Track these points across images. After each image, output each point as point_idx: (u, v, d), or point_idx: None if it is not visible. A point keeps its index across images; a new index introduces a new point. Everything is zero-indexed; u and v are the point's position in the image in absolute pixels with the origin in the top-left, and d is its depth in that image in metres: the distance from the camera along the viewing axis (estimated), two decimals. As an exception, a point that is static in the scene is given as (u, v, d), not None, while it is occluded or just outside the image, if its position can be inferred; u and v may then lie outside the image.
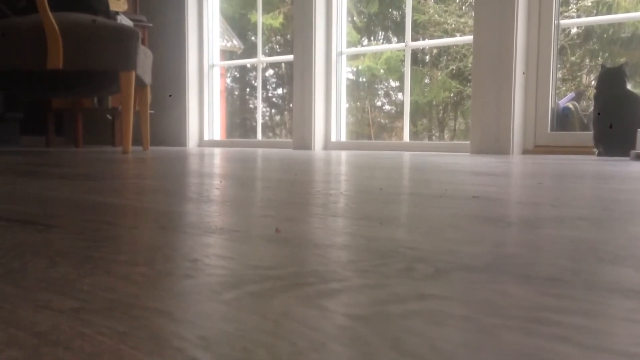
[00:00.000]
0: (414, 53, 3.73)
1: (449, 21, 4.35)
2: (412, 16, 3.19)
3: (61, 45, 2.18)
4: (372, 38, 5.00)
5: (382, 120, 5.04)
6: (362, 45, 4.67)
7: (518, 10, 2.44)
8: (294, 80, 3.26)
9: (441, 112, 4.79)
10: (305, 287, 0.25)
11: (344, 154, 2.32)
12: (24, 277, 0.27)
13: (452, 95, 4.64)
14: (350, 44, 3.68)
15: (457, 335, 0.19)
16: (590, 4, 3.25)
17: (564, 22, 2.60)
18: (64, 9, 2.28)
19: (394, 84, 4.84)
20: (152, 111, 3.65)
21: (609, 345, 0.18)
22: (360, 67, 4.53)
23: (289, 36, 5.02)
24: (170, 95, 3.74)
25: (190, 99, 3.73)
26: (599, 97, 2.17)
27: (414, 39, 3.21)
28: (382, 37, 5.07)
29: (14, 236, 0.38)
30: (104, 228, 0.42)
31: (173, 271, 0.28)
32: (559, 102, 2.60)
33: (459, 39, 3.54)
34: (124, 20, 2.77)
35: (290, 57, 3.41)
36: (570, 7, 3.19)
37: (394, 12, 4.86)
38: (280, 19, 5.42)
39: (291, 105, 3.37)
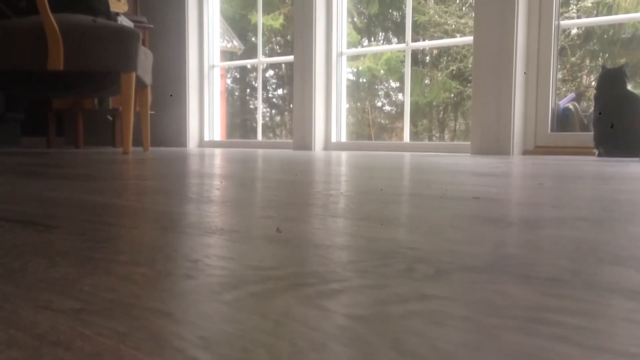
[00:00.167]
0: (414, 54, 3.73)
1: (449, 22, 4.35)
2: (412, 17, 3.19)
3: (62, 46, 2.18)
4: (372, 39, 5.00)
5: (383, 121, 5.04)
6: (363, 46, 4.67)
7: (518, 11, 2.44)
8: (294, 80, 3.26)
9: (441, 112, 4.78)
10: (305, 287, 0.25)
11: (344, 155, 2.32)
12: (24, 278, 0.27)
13: (452, 95, 4.64)
14: (351, 44, 3.68)
15: (457, 336, 0.19)
16: (590, 4, 3.25)
17: (564, 22, 2.60)
18: (64, 10, 2.28)
19: (394, 84, 4.84)
20: (152, 112, 3.65)
21: (609, 345, 0.18)
22: (360, 68, 4.53)
23: (289, 37, 5.02)
24: (171, 95, 3.74)
25: (191, 99, 3.73)
26: (599, 97, 2.17)
27: (414, 39, 3.21)
28: (383, 37, 5.08)
29: (15, 236, 0.38)
30: (104, 228, 0.42)
31: (173, 271, 0.28)
32: (559, 102, 2.60)
33: (459, 40, 3.54)
34: (124, 21, 2.77)
35: (290, 58, 3.41)
36: (570, 8, 3.19)
37: (394, 13, 4.86)
38: (281, 19, 5.42)
39: (291, 105, 3.37)
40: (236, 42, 6.35)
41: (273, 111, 5.89)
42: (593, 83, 2.67)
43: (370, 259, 0.31)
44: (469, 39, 2.94)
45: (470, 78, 2.68)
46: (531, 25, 2.50)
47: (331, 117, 3.24)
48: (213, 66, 3.80)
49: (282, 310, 0.22)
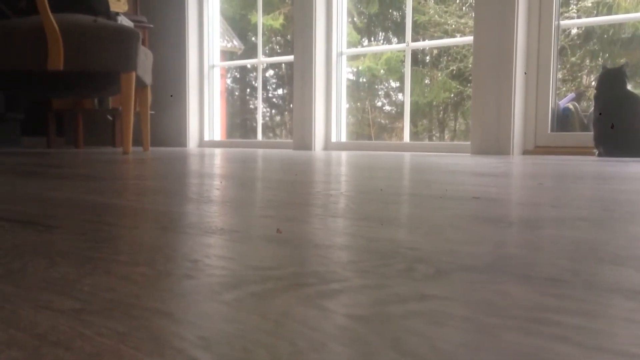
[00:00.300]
0: (414, 53, 3.73)
1: (449, 22, 4.35)
2: (413, 17, 3.19)
3: (62, 46, 2.18)
4: (372, 38, 5.00)
5: (383, 121, 5.04)
6: (363, 46, 4.67)
7: (518, 11, 2.44)
8: (294, 80, 3.26)
9: (441, 112, 4.78)
10: (305, 287, 0.25)
11: (344, 155, 2.32)
12: (24, 278, 0.27)
13: (452, 95, 4.64)
14: (351, 44, 3.68)
15: (457, 336, 0.19)
16: (590, 4, 3.25)
17: (564, 22, 2.60)
18: (64, 10, 2.28)
19: (394, 84, 4.84)
20: (152, 112, 3.65)
21: (609, 345, 0.18)
22: (360, 68, 4.53)
23: (289, 37, 5.02)
24: (171, 96, 3.74)
25: (191, 99, 3.73)
26: (599, 97, 2.17)
27: (414, 39, 3.21)
28: (383, 37, 5.07)
29: (15, 236, 0.38)
30: (104, 228, 0.42)
31: (173, 271, 0.28)
32: (559, 102, 2.60)
33: (459, 40, 3.54)
34: (124, 21, 2.77)
35: (290, 58, 3.41)
36: (570, 8, 3.19)
37: (394, 13, 4.86)
38: (281, 19, 5.42)
39: (291, 105, 3.37)
40: (236, 42, 6.35)
41: (273, 111, 5.89)
42: (593, 83, 2.67)
43: (370, 259, 0.31)
44: (469, 38, 2.94)
45: (470, 78, 2.68)
46: (531, 25, 2.50)
47: (331, 117, 3.24)
48: (213, 66, 3.80)
49: (282, 310, 0.22)
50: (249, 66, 4.67)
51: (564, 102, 2.62)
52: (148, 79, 2.64)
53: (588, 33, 3.20)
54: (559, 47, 2.56)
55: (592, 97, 2.29)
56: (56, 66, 2.19)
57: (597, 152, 2.19)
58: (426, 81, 4.64)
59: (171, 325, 0.20)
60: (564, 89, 3.10)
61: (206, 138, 3.81)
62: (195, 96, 3.76)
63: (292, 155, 2.19)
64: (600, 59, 3.23)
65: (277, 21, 5.42)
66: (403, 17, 3.42)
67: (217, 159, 1.74)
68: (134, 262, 0.30)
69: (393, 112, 4.96)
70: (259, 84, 3.90)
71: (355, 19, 4.70)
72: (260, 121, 3.87)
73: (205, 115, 3.79)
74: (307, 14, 3.16)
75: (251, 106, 5.35)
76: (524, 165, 1.49)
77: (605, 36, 3.14)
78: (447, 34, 4.27)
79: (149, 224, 0.44)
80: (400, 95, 4.62)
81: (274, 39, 5.70)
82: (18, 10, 2.46)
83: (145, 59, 2.52)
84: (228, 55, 5.90)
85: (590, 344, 0.18)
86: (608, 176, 1.04)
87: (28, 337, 0.19)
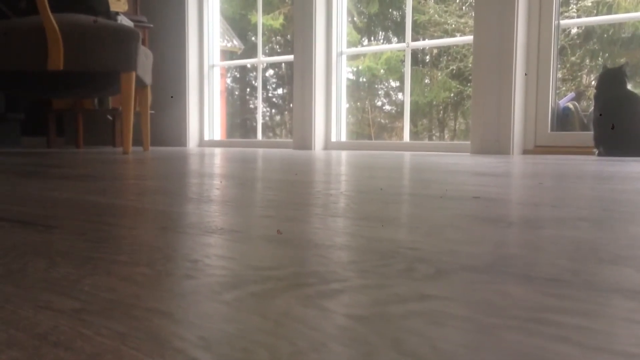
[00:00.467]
0: (414, 53, 3.73)
1: (449, 21, 4.35)
2: (412, 16, 3.19)
3: (62, 46, 2.18)
4: (372, 38, 4.99)
5: (383, 121, 5.04)
6: (363, 46, 4.67)
7: (518, 11, 2.44)
8: (294, 80, 3.26)
9: (441, 112, 4.78)
10: (305, 287, 0.25)
11: (344, 154, 2.32)
12: (24, 278, 0.27)
13: (452, 95, 4.64)
14: (351, 44, 3.68)
15: (457, 336, 0.19)
16: (590, 4, 3.25)
17: (564, 22, 2.60)
18: (64, 10, 2.28)
19: (394, 84, 4.84)
20: (152, 111, 3.65)
21: (609, 345, 0.18)
22: (360, 67, 4.53)
23: (289, 36, 5.02)
24: (172, 97, 3.74)
25: (191, 99, 3.73)
26: (599, 97, 2.17)
27: (414, 39, 3.21)
28: (382, 37, 5.07)
29: (15, 236, 0.38)
30: (104, 228, 0.42)
31: (173, 271, 0.28)
32: (559, 102, 2.60)
33: (459, 39, 3.54)
34: (124, 21, 2.77)
35: (290, 57, 3.41)
36: (570, 7, 3.19)
37: (394, 13, 4.85)
38: (281, 19, 5.42)
39: (291, 105, 3.37)
40: (236, 42, 6.35)
41: (273, 111, 5.88)
42: (593, 82, 2.66)
43: (370, 259, 0.31)
44: (469, 38, 2.94)
45: (470, 77, 2.68)
46: (531, 25, 2.50)
47: (331, 116, 3.24)
48: (213, 66, 3.80)
49: (282, 310, 0.22)
50: (248, 66, 4.67)
51: (563, 102, 2.62)
52: (148, 78, 2.64)
53: (588, 33, 3.20)
54: (559, 47, 2.56)
55: (592, 96, 2.29)
56: (56, 66, 2.19)
57: (597, 152, 2.19)
58: (426, 81, 4.64)
59: (171, 325, 0.20)
60: (564, 88, 3.09)
61: (206, 138, 3.81)
62: (195, 96, 3.76)
63: (292, 155, 2.19)
64: (600, 58, 3.23)
65: (277, 21, 5.42)
66: (403, 16, 3.42)
67: (217, 159, 1.74)
68: (134, 262, 0.30)
69: (393, 111, 4.96)
70: (258, 84, 3.90)
71: (355, 18, 4.70)
72: (260, 121, 3.87)
73: (205, 115, 3.79)
74: (307, 13, 3.16)
75: (251, 106, 5.35)
76: (524, 165, 1.49)
77: (605, 36, 3.14)
78: (447, 33, 4.27)
79: (149, 224, 0.44)
80: (400, 95, 4.62)
81: (273, 38, 5.70)
82: (18, 10, 2.46)
83: (145, 58, 2.52)
84: (228, 55, 5.90)
85: (590, 344, 0.18)
86: (608, 176, 1.04)
87: (28, 337, 0.19)
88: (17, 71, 2.30)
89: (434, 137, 4.68)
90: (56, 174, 1.02)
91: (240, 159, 1.74)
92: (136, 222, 0.45)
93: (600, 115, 2.13)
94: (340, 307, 0.22)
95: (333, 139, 3.26)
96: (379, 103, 5.07)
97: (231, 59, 5.72)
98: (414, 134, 4.02)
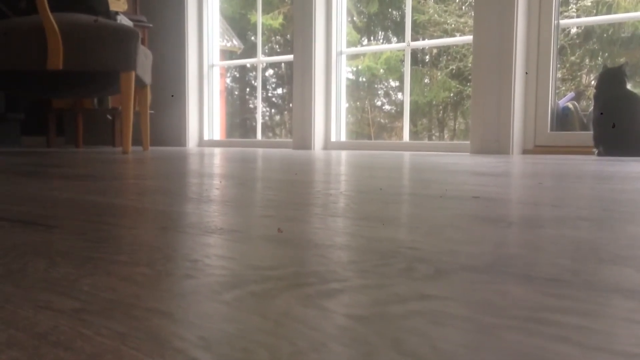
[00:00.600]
0: (414, 53, 3.73)
1: (448, 21, 4.35)
2: (412, 16, 3.19)
3: (61, 45, 2.18)
4: (372, 38, 5.00)
5: (382, 120, 5.04)
6: (362, 45, 4.67)
7: (518, 10, 2.44)
8: (294, 80, 3.26)
9: (441, 112, 4.78)
10: (305, 287, 0.25)
11: (344, 154, 2.32)
12: (24, 278, 0.27)
13: (452, 95, 4.64)
14: (350, 43, 3.68)
15: (457, 336, 0.19)
16: (590, 3, 3.25)
17: (563, 22, 2.60)
18: (64, 10, 2.28)
19: (393, 83, 4.84)
20: (152, 111, 3.65)
21: (609, 345, 0.18)
22: (360, 67, 4.53)
23: (288, 36, 5.02)
24: (172, 95, 3.74)
25: (190, 99, 3.73)
26: (599, 97, 2.17)
27: (413, 38, 3.21)
28: (382, 37, 5.07)
29: (15, 236, 0.38)
30: (104, 228, 0.42)
31: (173, 271, 0.28)
32: (559, 102, 2.60)
33: (458, 39, 3.54)
34: (123, 21, 2.77)
35: (290, 57, 3.41)
36: (570, 7, 3.19)
37: (394, 12, 4.85)
38: (280, 19, 5.42)
39: (291, 105, 3.37)
40: (236, 42, 6.35)
41: (272, 110, 5.88)
42: (592, 82, 2.66)
43: (370, 259, 0.31)
44: (468, 38, 2.94)
45: (469, 77, 2.68)
46: (531, 25, 2.50)
47: (331, 116, 3.24)
48: (212, 65, 3.80)
49: (282, 310, 0.22)
50: (248, 65, 4.67)
51: (563, 102, 2.62)
52: (148, 78, 2.64)
53: (587, 32, 3.20)
54: (558, 47, 2.56)
55: (591, 96, 2.29)
56: (55, 66, 2.19)
57: (596, 152, 2.19)
58: (426, 80, 4.64)
59: (171, 325, 0.20)
60: (564, 88, 3.10)
61: (206, 137, 3.81)
62: (194, 96, 3.76)
63: (292, 155, 2.19)
64: (599, 58, 3.23)
65: (277, 21, 5.42)
66: (402, 16, 3.42)
67: (217, 159, 1.74)
68: (134, 262, 0.30)
69: (393, 111, 4.96)
70: (258, 84, 3.90)
71: (354, 18, 4.70)
72: (259, 121, 3.87)
73: (204, 115, 3.79)
74: (306, 13, 3.16)
75: (251, 105, 5.35)
76: (524, 164, 1.49)
77: (605, 35, 3.14)
78: (447, 33, 4.27)
79: (149, 224, 0.44)
80: (399, 95, 4.62)
81: (273, 38, 5.70)
82: (18, 10, 2.45)
83: (144, 58, 2.52)
84: (227, 54, 5.90)
85: (590, 344, 0.18)
86: (608, 176, 1.04)
87: (28, 337, 0.19)
88: (17, 71, 2.30)
89: (433, 137, 4.68)
90: (56, 174, 1.02)
91: (239, 159, 1.74)
92: (136, 222, 0.45)
93: (602, 114, 2.13)
94: (340, 307, 0.22)
95: (333, 138, 3.26)
96: (379, 103, 5.07)
97: (231, 58, 5.72)
98: (414, 134, 4.02)
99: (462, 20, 4.26)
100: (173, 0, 3.68)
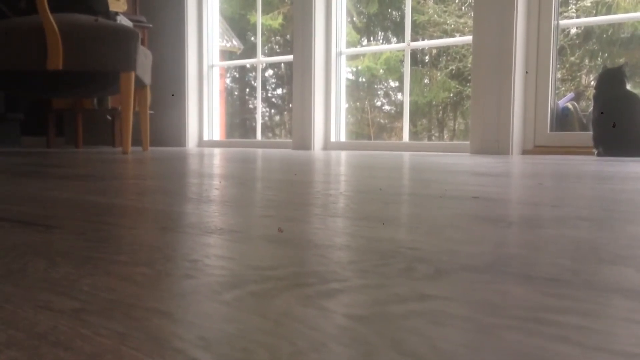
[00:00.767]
0: (414, 53, 3.73)
1: (448, 21, 4.35)
2: (412, 16, 3.19)
3: (61, 46, 2.18)
4: (371, 38, 5.00)
5: (382, 121, 5.04)
6: (362, 46, 4.67)
7: (517, 11, 2.44)
8: (294, 80, 3.26)
9: (441, 112, 4.78)
10: (305, 287, 0.25)
11: (343, 154, 2.32)
12: (24, 278, 0.27)
13: (451, 95, 4.64)
14: (350, 44, 3.68)
15: (457, 336, 0.19)
16: (589, 4, 3.26)
17: (563, 22, 2.60)
18: (64, 10, 2.28)
19: (393, 84, 4.84)
20: (151, 111, 3.65)
21: (609, 345, 0.18)
22: (359, 67, 4.53)
23: (288, 36, 5.02)
24: (172, 95, 3.74)
25: (190, 99, 3.73)
26: (599, 97, 2.17)
27: (413, 39, 3.21)
28: (382, 37, 5.07)
29: (15, 236, 0.38)
30: (104, 228, 0.42)
31: (173, 271, 0.28)
32: (559, 102, 2.60)
33: (458, 39, 3.54)
34: (123, 21, 2.77)
35: (289, 58, 3.41)
36: (569, 8, 3.19)
37: (394, 13, 4.86)
38: (280, 19, 5.42)
39: (291, 105, 3.37)
40: (235, 42, 6.35)
41: (272, 111, 5.89)
42: (592, 83, 2.66)
43: (370, 259, 0.31)
44: (468, 38, 2.94)
45: (469, 78, 2.68)
46: (530, 25, 2.50)
47: (330, 116, 3.24)
48: (212, 66, 3.80)
49: (282, 310, 0.22)
50: (248, 66, 4.67)
51: (563, 102, 2.62)
52: (147, 78, 2.64)
53: (587, 33, 3.20)
54: (558, 47, 2.56)
55: (591, 96, 2.29)
56: (55, 66, 2.19)
57: (596, 152, 2.19)
58: (425, 81, 4.64)
59: (171, 325, 0.20)
60: (563, 88, 3.10)
61: (205, 138, 3.81)
62: (194, 96, 3.76)
63: (292, 155, 2.19)
64: (599, 58, 3.23)
65: (276, 21, 5.43)
66: (402, 16, 3.42)
67: (217, 159, 1.74)
68: (134, 262, 0.30)
69: (392, 111, 4.96)
70: (258, 84, 3.90)
71: (354, 18, 4.70)
72: (259, 121, 3.87)
73: (204, 115, 3.79)
74: (306, 13, 3.16)
75: (250, 106, 5.35)
76: (524, 165, 1.49)
77: (605, 36, 3.14)
78: (447, 33, 4.27)
79: (149, 224, 0.44)
80: (399, 95, 4.62)
81: (273, 38, 5.70)
82: (18, 10, 2.45)
83: (144, 58, 2.52)
84: (227, 55, 5.90)
85: (590, 344, 0.18)
86: (608, 176, 1.04)
87: (27, 337, 0.19)
88: (17, 71, 2.30)
89: (433, 137, 4.68)
90: (56, 174, 1.02)
91: (239, 159, 1.74)
92: (136, 222, 0.45)
93: (602, 113, 2.13)
94: (340, 307, 0.22)
95: (332, 139, 3.26)
96: (379, 103, 5.07)
97: (230, 59, 5.72)
98: (414, 134, 4.02)
99: (462, 20, 4.27)
100: (173, 1, 3.68)
